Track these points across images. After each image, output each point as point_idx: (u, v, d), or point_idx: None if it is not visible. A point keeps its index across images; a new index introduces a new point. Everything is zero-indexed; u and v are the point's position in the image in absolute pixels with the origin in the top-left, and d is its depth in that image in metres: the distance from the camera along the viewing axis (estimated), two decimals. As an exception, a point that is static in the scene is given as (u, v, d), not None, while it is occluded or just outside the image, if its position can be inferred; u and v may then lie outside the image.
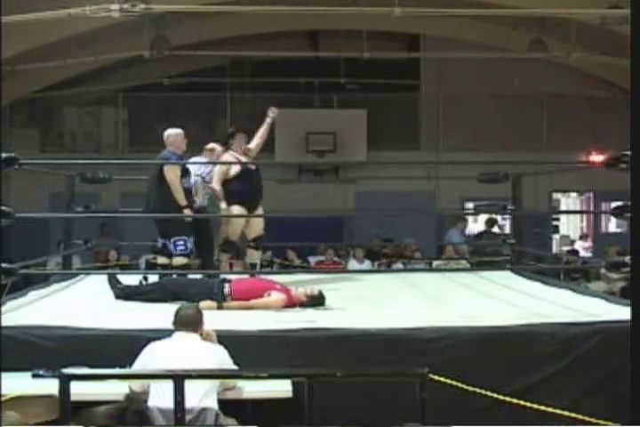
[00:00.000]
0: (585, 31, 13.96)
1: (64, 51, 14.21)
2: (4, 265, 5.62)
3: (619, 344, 4.90)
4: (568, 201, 19.02)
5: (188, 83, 17.23)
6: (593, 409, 5.00)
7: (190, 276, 6.95)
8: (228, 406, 4.57)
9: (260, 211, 7.70)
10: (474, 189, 12.33)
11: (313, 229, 11.54)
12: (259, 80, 17.26)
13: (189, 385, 3.80)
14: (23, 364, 4.84)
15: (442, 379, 4.75)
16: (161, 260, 7.27)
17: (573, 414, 4.85)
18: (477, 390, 4.91)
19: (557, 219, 18.86)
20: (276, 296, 6.19)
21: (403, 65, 17.59)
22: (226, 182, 7.49)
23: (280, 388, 4.54)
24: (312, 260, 12.86)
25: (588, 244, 17.45)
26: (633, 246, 4.03)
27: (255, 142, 7.86)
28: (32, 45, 12.97)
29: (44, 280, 8.23)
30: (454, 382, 4.86)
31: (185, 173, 7.18)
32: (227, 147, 7.68)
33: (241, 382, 4.65)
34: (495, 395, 4.92)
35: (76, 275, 8.66)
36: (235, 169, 7.50)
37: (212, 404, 4.45)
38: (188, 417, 4.06)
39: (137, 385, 4.49)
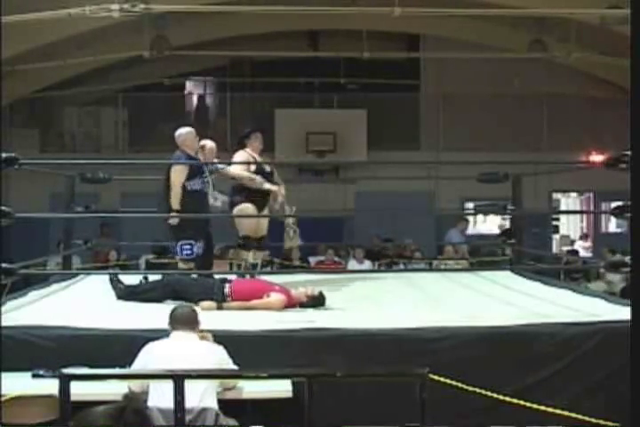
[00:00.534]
0: (585, 31, 13.96)
1: (64, 51, 14.21)
2: (4, 265, 5.62)
3: (619, 344, 4.90)
4: (568, 201, 19.02)
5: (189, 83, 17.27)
6: (593, 409, 5.00)
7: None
8: (228, 406, 4.57)
9: (266, 211, 7.69)
10: (474, 189, 12.32)
11: (313, 229, 11.53)
12: (259, 80, 17.26)
13: (189, 385, 3.80)
14: (23, 364, 4.84)
15: (442, 379, 4.75)
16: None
17: (573, 414, 4.85)
18: (477, 390, 4.91)
19: (557, 219, 18.87)
20: (276, 297, 6.19)
21: (403, 65, 17.59)
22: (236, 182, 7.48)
23: (280, 388, 4.54)
24: (312, 260, 12.86)
25: (588, 244, 17.45)
26: (633, 246, 4.03)
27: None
28: (32, 45, 12.97)
29: (43, 280, 8.22)
30: (454, 382, 4.86)
31: (196, 173, 7.12)
32: (241, 146, 7.68)
33: (241, 382, 4.65)
34: (495, 395, 4.92)
35: (76, 275, 8.66)
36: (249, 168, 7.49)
37: (212, 404, 4.45)
38: (188, 417, 4.06)
39: (136, 385, 4.49)
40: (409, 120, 16.98)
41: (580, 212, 20.45)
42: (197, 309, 5.33)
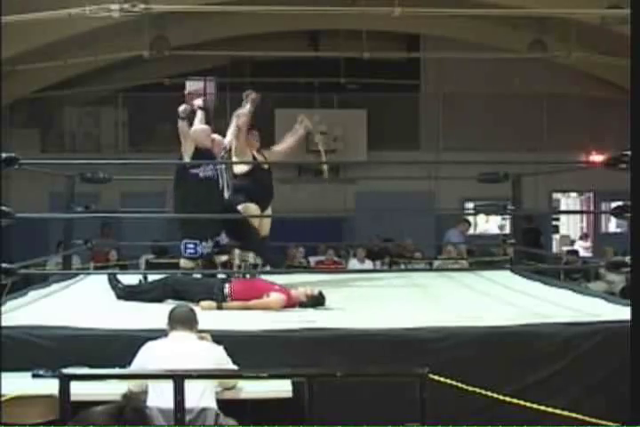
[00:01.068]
0: (585, 31, 13.96)
1: (64, 51, 14.21)
2: (4, 265, 5.63)
3: (619, 344, 4.90)
4: (568, 201, 19.02)
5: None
6: (593, 409, 4.99)
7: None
8: (228, 406, 4.57)
9: (269, 211, 7.67)
10: (474, 189, 12.35)
11: (313, 229, 11.53)
12: (259, 80, 17.24)
13: (188, 385, 3.80)
14: (23, 364, 4.84)
15: (442, 379, 4.75)
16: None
17: (573, 414, 4.85)
18: (477, 390, 4.91)
19: (557, 219, 18.87)
20: (276, 297, 6.19)
21: (403, 65, 17.59)
22: (237, 178, 7.44)
23: (280, 388, 4.54)
24: (312, 260, 12.86)
25: (588, 244, 17.45)
26: (633, 246, 4.03)
27: (281, 147, 7.85)
28: (32, 45, 12.97)
29: (43, 280, 8.23)
30: (454, 382, 4.86)
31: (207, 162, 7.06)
32: None
33: (241, 382, 4.65)
34: (495, 395, 4.92)
35: (76, 275, 8.66)
36: (246, 166, 7.47)
37: (212, 404, 4.45)
38: (187, 417, 4.06)
39: (135, 385, 4.49)
40: (409, 120, 16.99)
41: (580, 212, 20.45)
42: (197, 308, 5.33)
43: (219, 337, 4.87)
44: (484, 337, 5.28)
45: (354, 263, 12.23)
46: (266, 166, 7.66)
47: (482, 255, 12.35)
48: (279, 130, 15.65)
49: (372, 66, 15.85)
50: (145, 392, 4.44)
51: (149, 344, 4.66)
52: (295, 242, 11.93)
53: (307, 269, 11.61)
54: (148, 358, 4.57)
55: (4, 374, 4.42)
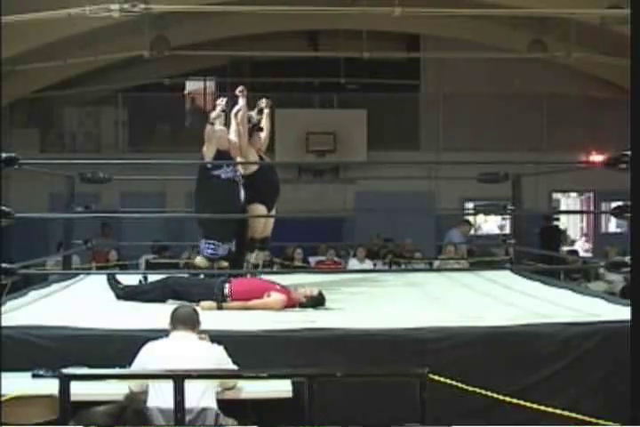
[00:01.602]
0: (585, 31, 13.95)
1: (64, 51, 14.21)
2: (4, 265, 5.63)
3: (619, 344, 4.90)
4: (568, 201, 19.02)
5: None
6: (593, 409, 5.00)
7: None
8: (228, 406, 4.57)
9: (273, 211, 7.66)
10: (474, 189, 12.34)
11: (313, 229, 11.54)
12: (259, 80, 17.25)
13: (188, 385, 3.80)
14: (23, 364, 4.84)
15: (442, 379, 4.75)
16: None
17: (573, 414, 4.85)
18: (477, 390, 4.91)
19: (557, 219, 18.86)
20: (276, 297, 6.19)
21: (403, 65, 17.60)
22: (245, 179, 7.43)
23: (280, 388, 4.54)
24: (312, 260, 12.86)
25: (588, 244, 17.45)
26: (633, 246, 4.03)
27: (262, 136, 7.84)
28: (32, 45, 12.97)
29: (43, 280, 8.22)
30: (454, 382, 4.86)
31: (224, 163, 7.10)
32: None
33: (241, 382, 4.65)
34: (495, 395, 4.92)
35: (76, 275, 8.66)
36: (254, 167, 7.47)
37: (212, 404, 4.45)
38: (187, 417, 4.06)
39: (136, 385, 4.49)
40: (409, 120, 16.99)
41: (580, 212, 20.44)
42: (197, 309, 5.33)
43: (219, 337, 4.87)
44: (484, 337, 5.28)
45: (353, 263, 12.23)
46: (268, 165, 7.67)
47: (482, 255, 12.36)
48: (279, 130, 15.69)
49: (372, 66, 15.86)
50: (145, 392, 4.44)
51: (150, 344, 4.66)
52: (295, 242, 11.93)
53: (307, 269, 11.61)
54: (149, 358, 4.57)
55: (4, 374, 4.42)
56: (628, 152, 4.59)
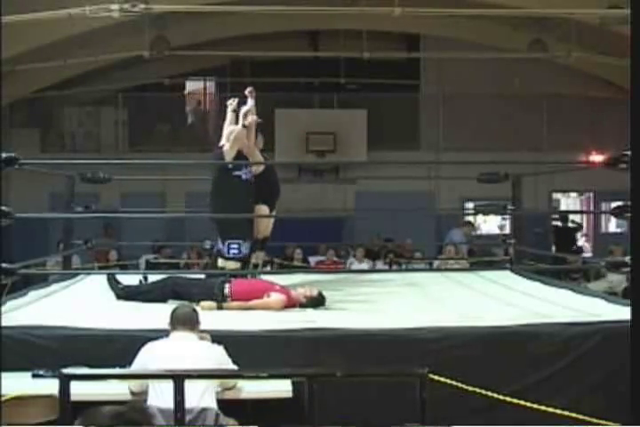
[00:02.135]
0: (585, 31, 13.96)
1: (64, 51, 14.20)
2: (4, 265, 5.62)
3: (619, 344, 4.90)
4: (568, 201, 19.02)
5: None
6: (593, 409, 5.00)
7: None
8: (228, 406, 4.57)
9: (273, 212, 7.65)
10: (474, 189, 12.33)
11: (313, 229, 11.55)
12: (259, 80, 17.25)
13: (188, 385, 3.80)
14: (23, 364, 4.84)
15: (442, 379, 4.75)
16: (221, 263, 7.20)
17: (573, 414, 4.85)
18: (477, 390, 4.91)
19: (557, 219, 18.85)
20: (276, 297, 6.19)
21: (403, 65, 17.59)
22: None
23: (280, 388, 4.54)
24: (312, 260, 12.87)
25: (588, 244, 17.44)
26: (633, 246, 4.03)
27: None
28: (32, 45, 12.96)
29: (43, 280, 8.22)
30: (454, 382, 4.86)
31: (243, 164, 7.11)
32: None
33: (241, 382, 4.65)
34: (495, 395, 4.92)
35: (76, 275, 8.66)
36: (259, 167, 7.47)
37: (212, 404, 4.45)
38: (187, 417, 4.06)
39: (136, 385, 4.49)
40: (409, 120, 16.99)
41: (580, 212, 20.43)
42: (197, 309, 5.33)
43: (219, 337, 4.88)
44: (484, 337, 5.28)
45: (352, 263, 12.23)
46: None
47: (482, 255, 12.36)
48: (279, 130, 15.70)
49: (372, 66, 15.84)
50: (145, 392, 4.44)
51: (150, 344, 4.67)
52: (295, 242, 11.94)
53: (307, 269, 11.61)
54: (149, 358, 4.57)
55: (4, 374, 4.42)
56: (628, 152, 4.60)
